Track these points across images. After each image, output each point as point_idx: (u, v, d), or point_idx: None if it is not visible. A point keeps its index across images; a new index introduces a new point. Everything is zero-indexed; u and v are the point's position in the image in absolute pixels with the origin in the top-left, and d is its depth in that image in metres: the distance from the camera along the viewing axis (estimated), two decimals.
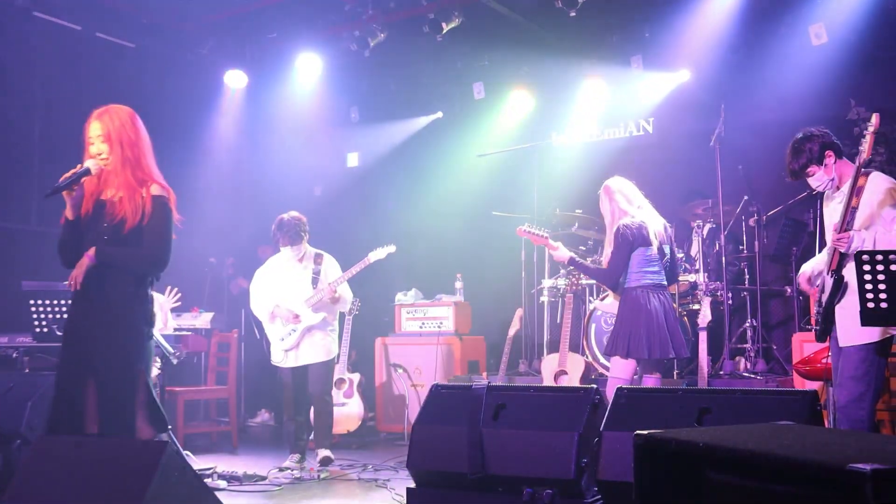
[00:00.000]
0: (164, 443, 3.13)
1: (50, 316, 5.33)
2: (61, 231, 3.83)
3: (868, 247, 3.77)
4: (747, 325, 6.84)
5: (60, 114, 3.98)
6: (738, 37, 7.39)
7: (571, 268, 6.42)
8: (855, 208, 3.87)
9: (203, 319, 7.61)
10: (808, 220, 6.88)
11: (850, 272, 3.86)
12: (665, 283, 5.06)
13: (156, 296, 6.67)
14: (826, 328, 4.03)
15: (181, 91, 8.62)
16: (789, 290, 7.00)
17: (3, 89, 7.37)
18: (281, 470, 5.83)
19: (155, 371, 6.32)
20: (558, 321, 7.05)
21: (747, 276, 7.08)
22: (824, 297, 4.03)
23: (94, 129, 3.77)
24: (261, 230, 8.50)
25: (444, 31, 7.73)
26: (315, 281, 6.02)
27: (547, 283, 7.50)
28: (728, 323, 6.72)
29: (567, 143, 8.68)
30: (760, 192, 7.14)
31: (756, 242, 6.99)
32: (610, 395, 4.24)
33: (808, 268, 4.28)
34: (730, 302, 6.83)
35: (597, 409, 3.93)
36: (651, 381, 4.96)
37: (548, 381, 6.40)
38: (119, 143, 3.75)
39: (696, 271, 6.73)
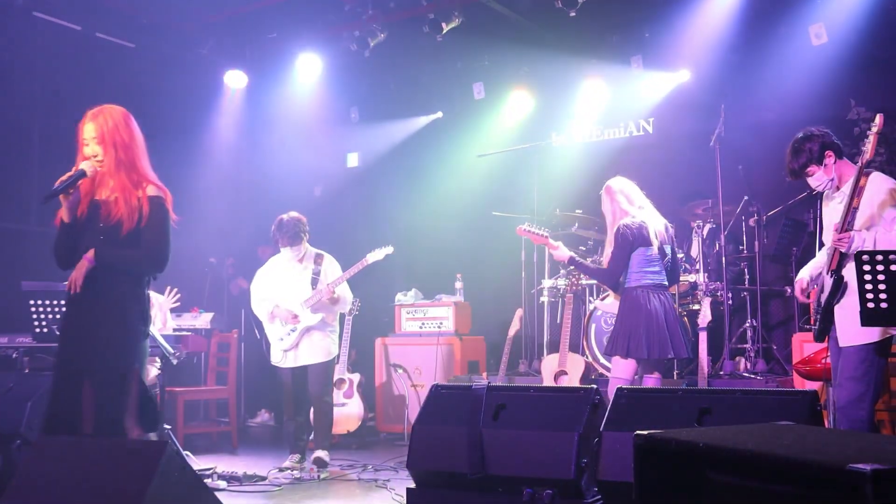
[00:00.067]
0: (164, 443, 3.13)
1: (50, 316, 5.33)
2: (57, 233, 3.83)
3: (868, 247, 3.77)
4: (747, 325, 6.84)
5: (60, 114, 3.99)
6: (738, 37, 7.39)
7: (571, 268, 6.42)
8: (856, 208, 3.86)
9: (203, 319, 7.62)
10: (808, 221, 6.88)
11: (849, 272, 3.86)
12: (666, 283, 5.06)
13: (155, 296, 6.69)
14: (825, 328, 4.03)
15: (181, 91, 8.62)
16: (789, 291, 6.99)
17: (3, 89, 7.36)
18: (281, 470, 5.83)
19: (155, 371, 6.33)
20: (558, 321, 7.05)
21: (747, 277, 7.07)
22: (823, 297, 4.03)
23: (89, 130, 3.76)
24: (261, 230, 8.50)
25: (444, 31, 7.73)
26: (315, 281, 6.02)
27: (547, 283, 7.50)
28: (728, 323, 6.72)
29: (567, 143, 8.68)
30: (760, 192, 7.14)
31: (756, 242, 6.99)
32: (611, 395, 4.24)
33: (805, 274, 4.26)
34: (730, 302, 6.82)
35: (597, 410, 3.93)
36: (651, 381, 4.96)
37: (548, 381, 6.40)
38: (113, 144, 3.74)
39: (697, 271, 6.73)
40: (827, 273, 3.99)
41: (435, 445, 4.09)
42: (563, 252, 5.22)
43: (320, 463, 5.85)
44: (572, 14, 7.15)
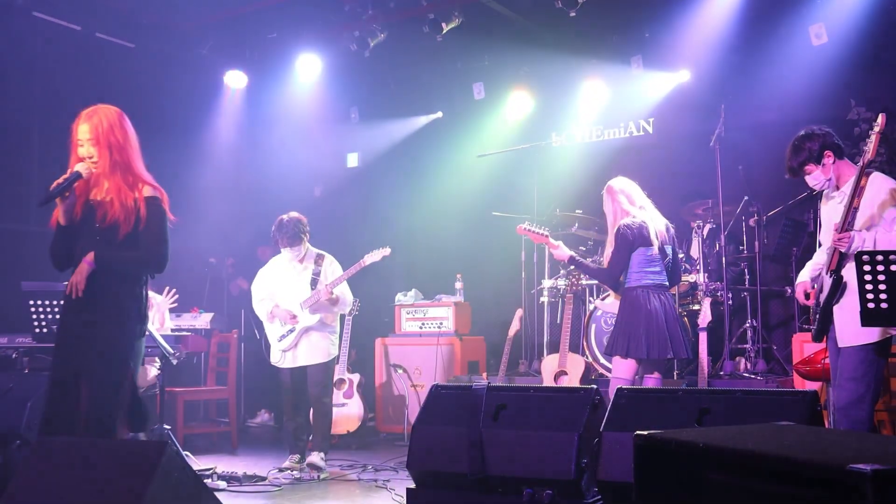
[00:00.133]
0: (164, 443, 3.12)
1: (50, 316, 5.32)
2: (53, 235, 3.82)
3: (868, 247, 3.77)
4: (747, 325, 6.84)
5: (60, 114, 3.98)
6: (738, 37, 7.39)
7: (572, 268, 6.43)
8: (856, 208, 3.86)
9: (203, 320, 7.61)
10: (808, 221, 6.88)
11: (849, 272, 3.85)
12: (666, 283, 5.06)
13: (153, 296, 6.69)
14: (823, 328, 4.03)
15: (181, 91, 8.62)
16: (789, 291, 6.99)
17: (3, 89, 7.36)
18: (280, 470, 5.82)
19: (154, 371, 6.33)
20: (558, 321, 7.05)
21: (747, 277, 7.07)
22: (822, 297, 4.03)
23: (83, 131, 3.74)
24: (261, 230, 8.49)
25: (444, 31, 7.73)
26: (314, 282, 6.00)
27: (547, 283, 7.50)
28: (728, 323, 6.72)
29: (567, 143, 8.67)
30: (760, 192, 7.14)
31: (756, 243, 6.99)
32: (612, 395, 4.24)
33: (806, 276, 4.25)
34: (730, 302, 6.82)
35: (597, 410, 3.93)
36: (651, 381, 4.96)
37: (548, 381, 6.40)
38: (108, 146, 3.73)
39: (697, 272, 6.73)
40: (826, 273, 3.99)
41: (435, 446, 4.09)
42: (563, 251, 5.21)
43: (314, 467, 5.83)
44: (572, 14, 7.15)
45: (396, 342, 7.91)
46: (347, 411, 7.16)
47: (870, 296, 3.48)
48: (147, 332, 5.03)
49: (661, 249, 5.03)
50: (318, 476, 5.75)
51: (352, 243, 7.68)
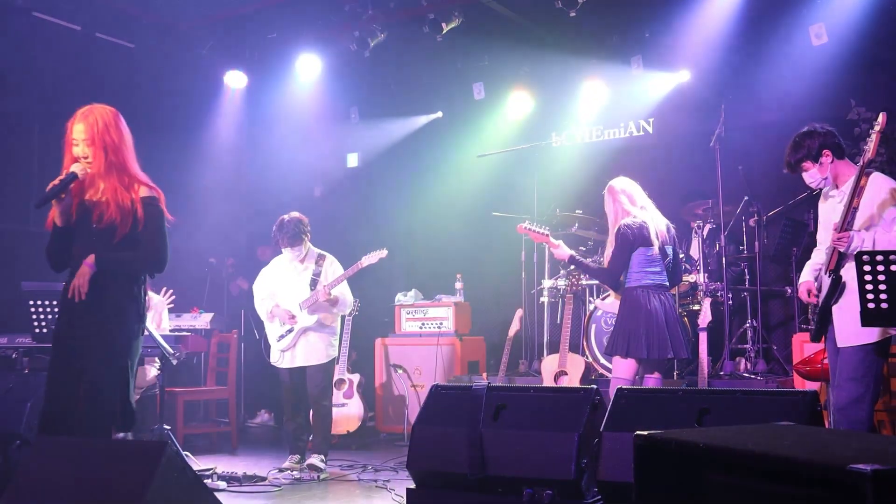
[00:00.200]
0: (164, 443, 3.12)
1: (50, 316, 5.32)
2: (50, 236, 3.81)
3: (867, 247, 3.76)
4: (747, 325, 6.84)
5: (60, 114, 3.99)
6: (738, 37, 7.39)
7: (572, 267, 6.43)
8: (856, 208, 3.86)
9: (203, 320, 7.61)
10: (809, 221, 6.88)
11: (848, 272, 3.86)
12: (667, 283, 5.05)
13: (152, 296, 6.69)
14: (821, 328, 4.03)
15: (181, 91, 8.62)
16: (789, 291, 7.00)
17: (3, 89, 7.36)
18: (280, 471, 5.83)
19: (154, 371, 6.33)
20: (558, 321, 7.05)
21: (747, 277, 7.07)
22: (821, 297, 4.03)
23: (78, 130, 3.73)
24: (261, 230, 8.49)
25: (444, 31, 7.73)
26: (314, 283, 6.00)
27: (547, 283, 7.50)
28: (728, 323, 6.72)
29: (567, 143, 8.68)
30: (760, 192, 7.14)
31: (756, 243, 6.99)
32: (612, 395, 4.24)
33: (809, 276, 4.24)
34: (730, 302, 6.82)
35: (597, 410, 3.93)
36: (651, 381, 4.96)
37: (548, 381, 6.40)
38: (103, 146, 3.71)
39: (697, 272, 6.73)
40: (825, 273, 3.99)
41: (435, 446, 4.09)
42: (563, 251, 5.21)
43: (314, 468, 5.83)
44: (572, 14, 7.15)
45: (396, 342, 7.91)
46: (347, 411, 7.16)
47: (870, 296, 3.48)
48: (147, 333, 5.05)
49: (662, 250, 5.02)
50: (318, 476, 5.75)
51: (352, 243, 7.68)
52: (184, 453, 5.46)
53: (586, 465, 3.75)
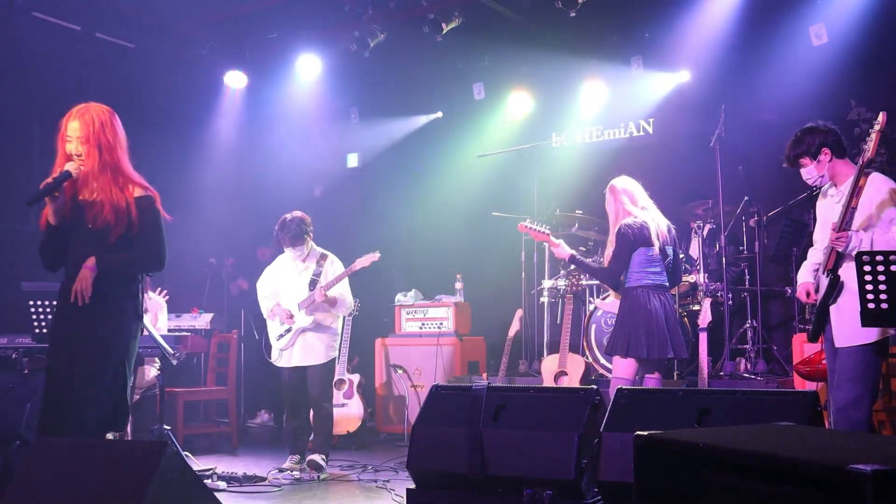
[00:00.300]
0: (164, 444, 3.12)
1: (49, 317, 5.32)
2: (43, 235, 3.79)
3: (865, 247, 3.76)
4: (747, 325, 6.84)
5: (60, 114, 3.99)
6: (738, 37, 7.39)
7: (572, 267, 6.43)
8: (854, 208, 3.86)
9: (203, 320, 7.62)
10: (809, 221, 6.87)
11: (845, 272, 3.86)
12: (667, 283, 5.05)
13: (152, 296, 6.70)
14: (819, 328, 4.03)
15: (181, 91, 8.62)
16: (789, 291, 7.00)
17: (3, 90, 7.36)
18: (280, 471, 5.82)
19: (154, 371, 6.33)
20: (558, 322, 7.04)
21: (748, 277, 7.07)
22: (819, 297, 4.03)
23: (73, 128, 3.71)
24: (261, 230, 8.49)
25: (444, 32, 7.73)
26: (313, 283, 5.98)
27: (547, 283, 7.50)
28: (728, 324, 6.71)
29: (567, 143, 8.68)
30: (761, 192, 7.14)
31: (756, 243, 6.99)
32: (612, 395, 4.24)
33: (809, 277, 4.23)
34: (730, 303, 6.82)
35: (597, 410, 3.93)
36: (651, 381, 4.96)
37: (548, 381, 6.39)
38: (98, 145, 3.70)
39: (697, 272, 6.73)
40: (823, 273, 3.99)
41: (435, 446, 4.08)
42: (564, 250, 5.21)
43: (315, 466, 5.82)
44: (572, 14, 7.15)
45: (396, 342, 7.91)
46: (347, 412, 7.16)
47: (870, 296, 3.48)
48: (147, 333, 5.05)
49: (663, 250, 5.02)
50: (318, 476, 5.74)
51: (352, 243, 7.68)
52: (184, 453, 5.46)
53: (586, 466, 3.75)
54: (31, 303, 5.33)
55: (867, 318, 3.55)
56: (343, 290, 6.02)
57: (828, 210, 4.12)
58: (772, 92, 7.33)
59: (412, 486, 4.17)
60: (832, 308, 3.94)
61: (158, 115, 8.18)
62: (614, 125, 8.50)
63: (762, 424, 2.54)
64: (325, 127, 9.52)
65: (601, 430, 3.79)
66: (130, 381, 3.79)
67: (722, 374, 6.49)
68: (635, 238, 4.96)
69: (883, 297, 3.46)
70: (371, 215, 9.50)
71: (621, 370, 4.91)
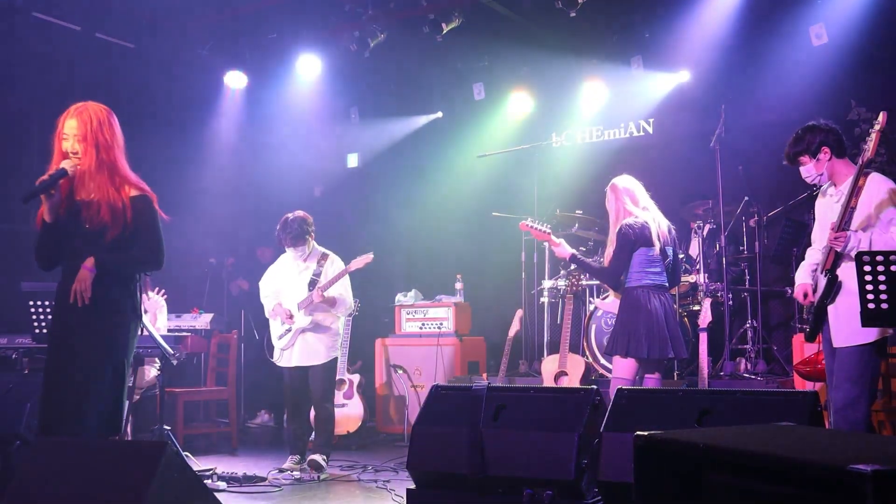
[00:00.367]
0: (164, 444, 3.12)
1: (49, 317, 5.33)
2: (39, 233, 3.79)
3: (864, 248, 3.76)
4: (748, 325, 6.84)
5: (60, 115, 4.00)
6: (738, 37, 7.39)
7: (572, 267, 6.42)
8: (853, 208, 3.86)
9: (203, 320, 7.61)
10: (809, 221, 6.84)
11: (844, 272, 3.86)
12: (667, 284, 5.06)
13: (152, 296, 6.70)
14: (816, 328, 4.03)
15: (181, 91, 8.62)
16: (790, 291, 6.98)
17: (3, 89, 7.36)
18: (281, 471, 5.82)
19: (154, 372, 6.33)
20: (558, 322, 7.04)
21: (748, 277, 7.07)
22: (816, 297, 4.02)
23: (71, 125, 3.71)
24: (261, 230, 8.50)
25: (444, 32, 7.73)
26: (313, 283, 5.97)
27: (547, 283, 7.50)
28: (728, 324, 6.71)
29: (567, 143, 8.68)
30: (761, 192, 7.14)
31: (756, 243, 6.99)
32: (612, 395, 4.24)
33: (807, 278, 4.23)
34: (730, 303, 6.82)
35: (597, 410, 3.93)
36: (651, 381, 4.96)
37: (548, 381, 6.39)
38: (95, 144, 3.69)
39: (697, 272, 6.73)
40: (821, 272, 3.99)
41: (435, 446, 4.08)
42: (564, 249, 5.20)
43: (315, 466, 5.82)
44: (572, 14, 7.15)
45: (396, 342, 7.91)
46: (347, 412, 7.16)
47: (870, 296, 3.49)
48: (147, 333, 5.05)
49: (663, 251, 5.02)
50: (318, 476, 5.74)
51: (352, 243, 7.68)
52: (184, 454, 5.46)
53: (586, 466, 3.75)
54: (31, 303, 5.33)
55: (867, 319, 3.55)
56: (343, 291, 6.00)
57: (827, 210, 4.12)
58: (772, 92, 7.33)
59: (412, 486, 4.17)
60: (830, 308, 3.94)
61: (158, 115, 8.18)
62: (614, 125, 8.50)
63: (762, 424, 2.54)
64: (325, 127, 9.52)
65: (601, 430, 3.79)
66: (129, 381, 3.79)
67: (722, 374, 6.49)
68: (636, 238, 4.96)
69: (883, 297, 3.46)
70: (371, 215, 9.50)
71: (621, 370, 4.90)
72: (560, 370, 6.34)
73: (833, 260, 3.90)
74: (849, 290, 3.79)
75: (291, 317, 5.94)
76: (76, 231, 3.71)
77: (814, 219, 4.32)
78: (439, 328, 7.79)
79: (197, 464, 5.87)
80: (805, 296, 4.16)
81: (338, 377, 6.95)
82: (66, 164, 3.68)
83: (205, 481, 4.14)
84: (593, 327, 6.92)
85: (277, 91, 9.01)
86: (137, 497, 2.94)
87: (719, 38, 7.41)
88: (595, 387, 4.09)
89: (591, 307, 7.06)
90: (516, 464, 3.85)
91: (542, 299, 7.59)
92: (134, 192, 3.75)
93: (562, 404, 3.99)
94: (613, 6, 7.64)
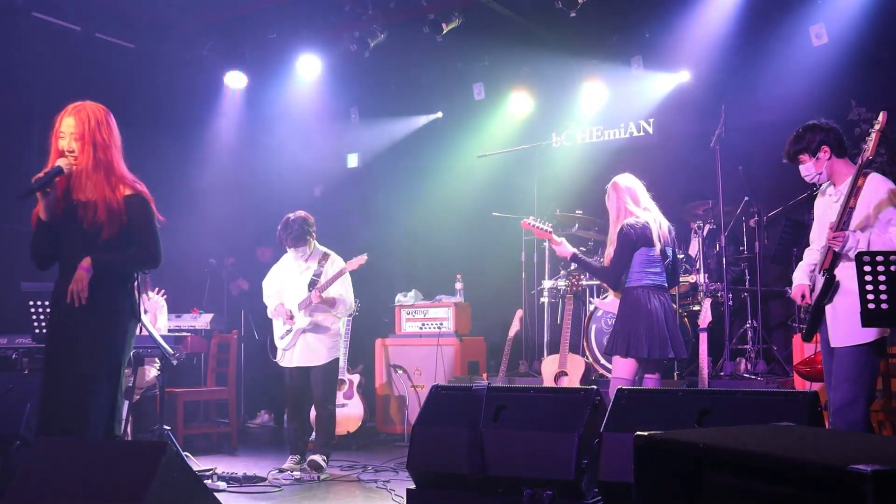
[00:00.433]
0: (164, 444, 3.12)
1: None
2: (34, 232, 3.79)
3: (863, 248, 3.76)
4: (748, 325, 6.84)
5: None
6: (738, 37, 7.39)
7: (573, 266, 6.42)
8: (852, 208, 3.86)
9: (203, 320, 7.61)
10: (809, 221, 6.84)
11: (842, 272, 3.86)
12: (666, 284, 5.06)
13: (152, 296, 6.69)
14: (813, 327, 4.02)
15: (181, 91, 8.62)
16: (789, 291, 6.97)
17: (3, 90, 7.36)
18: (281, 471, 5.82)
19: (154, 372, 6.33)
20: (558, 322, 7.04)
21: (748, 277, 7.07)
22: (814, 297, 4.02)
23: (68, 124, 3.70)
24: (261, 231, 8.49)
25: (444, 32, 7.74)
26: (313, 283, 5.97)
27: (547, 283, 7.50)
28: (728, 324, 6.71)
29: (567, 143, 8.68)
30: (761, 192, 7.14)
31: (756, 243, 6.98)
32: (612, 395, 4.24)
33: (804, 279, 4.23)
34: (730, 303, 6.82)
35: (597, 410, 3.93)
36: (651, 381, 4.96)
37: (548, 382, 6.39)
38: (92, 143, 3.69)
39: (697, 272, 6.73)
40: (819, 272, 3.99)
41: (435, 446, 4.08)
42: (565, 248, 5.20)
43: (315, 466, 5.82)
44: (572, 15, 7.16)
45: (396, 343, 7.91)
46: (347, 412, 7.16)
47: (870, 296, 3.49)
48: (147, 333, 5.05)
49: (663, 251, 5.02)
50: (318, 477, 5.74)
51: (352, 243, 7.68)
52: (184, 454, 5.46)
53: (586, 466, 3.75)
54: (31, 303, 5.33)
55: (868, 319, 3.55)
56: (343, 291, 6.00)
57: (826, 209, 4.12)
58: (772, 92, 7.33)
59: (412, 486, 4.17)
60: (828, 308, 3.94)
61: (158, 115, 8.18)
62: (614, 125, 8.50)
63: (762, 425, 2.54)
64: (325, 127, 9.52)
65: (601, 430, 3.79)
66: (129, 381, 3.79)
67: (722, 374, 6.49)
68: (637, 238, 4.96)
69: (883, 297, 3.46)
70: (371, 215, 9.50)
71: (621, 370, 4.90)
72: (560, 370, 6.34)
73: (831, 260, 3.90)
74: (847, 290, 3.79)
75: (292, 317, 5.94)
76: (72, 230, 3.70)
77: (813, 218, 4.32)
78: (439, 328, 7.79)
79: (197, 464, 5.87)
80: (803, 297, 4.16)
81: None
82: (61, 163, 3.67)
83: (205, 481, 4.14)
84: (593, 327, 6.92)
85: (277, 91, 9.01)
86: (137, 497, 2.93)
87: (719, 38, 7.41)
88: (595, 387, 4.09)
89: (591, 307, 7.06)
90: (516, 464, 3.85)
91: (542, 299, 7.59)
92: (129, 192, 3.74)
93: (562, 404, 3.99)
94: (613, 6, 7.64)
